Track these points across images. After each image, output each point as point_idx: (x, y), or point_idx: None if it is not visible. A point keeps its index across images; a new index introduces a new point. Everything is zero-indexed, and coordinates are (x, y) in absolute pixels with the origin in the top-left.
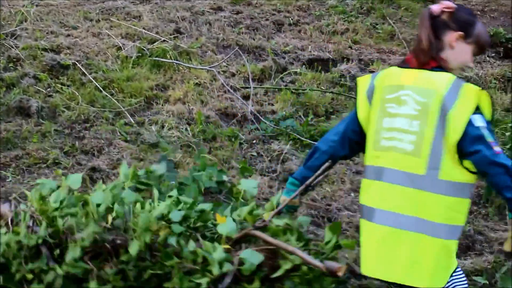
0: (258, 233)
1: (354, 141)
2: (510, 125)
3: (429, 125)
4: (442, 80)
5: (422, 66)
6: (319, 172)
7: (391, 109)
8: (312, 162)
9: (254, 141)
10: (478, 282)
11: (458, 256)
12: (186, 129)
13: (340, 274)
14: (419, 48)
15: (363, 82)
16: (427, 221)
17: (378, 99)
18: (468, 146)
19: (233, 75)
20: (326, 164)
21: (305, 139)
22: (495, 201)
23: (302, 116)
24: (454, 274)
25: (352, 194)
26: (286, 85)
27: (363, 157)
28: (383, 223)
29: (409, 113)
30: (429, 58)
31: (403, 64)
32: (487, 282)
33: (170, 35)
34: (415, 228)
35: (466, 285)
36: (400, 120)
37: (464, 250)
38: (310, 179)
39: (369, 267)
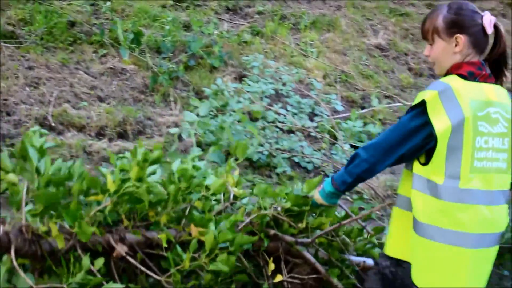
0: None
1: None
2: None
3: None
4: (506, 94)
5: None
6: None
7: (482, 127)
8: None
9: None
10: None
11: (132, 139)
12: None
13: None
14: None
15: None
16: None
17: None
18: None
19: None
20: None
21: None
22: (160, 89)
23: None
24: None
25: (28, 89)
26: None
27: None
28: (480, 246)
29: (501, 131)
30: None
31: (472, 78)
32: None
33: None
34: (498, 242)
35: None
36: (493, 139)
37: (136, 135)
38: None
39: None
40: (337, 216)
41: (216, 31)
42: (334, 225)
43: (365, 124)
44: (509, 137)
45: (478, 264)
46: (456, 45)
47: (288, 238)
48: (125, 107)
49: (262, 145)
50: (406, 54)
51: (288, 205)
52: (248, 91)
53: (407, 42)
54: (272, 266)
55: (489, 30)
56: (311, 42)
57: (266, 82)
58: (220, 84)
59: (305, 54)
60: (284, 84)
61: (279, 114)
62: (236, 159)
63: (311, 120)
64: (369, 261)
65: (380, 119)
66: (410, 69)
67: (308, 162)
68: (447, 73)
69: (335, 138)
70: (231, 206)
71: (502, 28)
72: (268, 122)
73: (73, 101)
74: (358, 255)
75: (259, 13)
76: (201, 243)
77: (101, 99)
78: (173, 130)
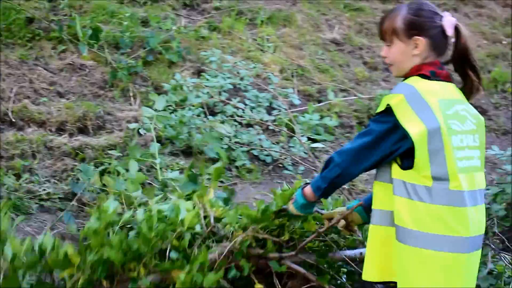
0: None
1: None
2: None
3: (483, 137)
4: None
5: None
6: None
7: (455, 126)
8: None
9: None
10: (113, 154)
11: (92, 134)
12: None
13: None
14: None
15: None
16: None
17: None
18: None
19: None
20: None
21: None
22: (119, 84)
23: None
24: None
25: None
26: None
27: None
28: (471, 250)
29: (471, 128)
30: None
31: (435, 77)
32: (121, 154)
33: None
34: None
35: None
36: (466, 137)
37: (96, 130)
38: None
39: None
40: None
41: (174, 26)
42: (312, 235)
43: (321, 117)
44: (479, 133)
45: (471, 268)
46: (415, 47)
47: (273, 255)
48: (85, 102)
49: (221, 139)
50: (361, 49)
51: (264, 223)
52: (206, 86)
53: (361, 37)
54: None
55: (450, 32)
56: (268, 37)
57: (224, 77)
58: (179, 79)
59: (262, 49)
60: (242, 79)
61: (237, 108)
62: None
63: (269, 113)
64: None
65: (336, 112)
66: (365, 63)
67: (267, 155)
68: (407, 75)
69: (293, 131)
70: (218, 226)
71: (463, 30)
72: (227, 116)
73: (33, 97)
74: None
75: (216, 8)
76: None
77: (60, 95)
78: (133, 125)
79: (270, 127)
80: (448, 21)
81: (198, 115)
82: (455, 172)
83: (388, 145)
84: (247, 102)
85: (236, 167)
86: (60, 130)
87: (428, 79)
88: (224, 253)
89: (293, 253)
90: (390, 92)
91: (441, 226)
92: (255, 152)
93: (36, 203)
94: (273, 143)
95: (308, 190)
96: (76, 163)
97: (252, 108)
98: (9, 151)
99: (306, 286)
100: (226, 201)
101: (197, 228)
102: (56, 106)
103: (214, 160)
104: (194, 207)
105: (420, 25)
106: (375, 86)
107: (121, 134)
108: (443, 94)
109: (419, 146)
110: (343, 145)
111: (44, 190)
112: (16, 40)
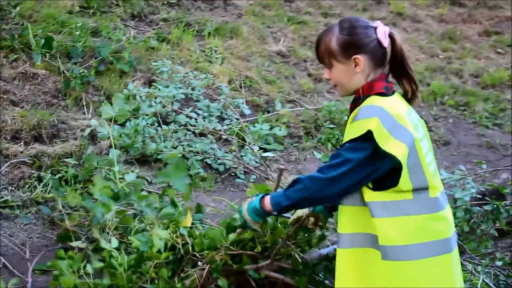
0: None
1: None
2: None
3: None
4: None
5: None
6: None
7: (418, 134)
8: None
9: None
10: (70, 162)
11: (47, 143)
12: None
13: None
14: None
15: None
16: None
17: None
18: None
19: None
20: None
21: None
22: (72, 93)
23: None
24: None
25: None
26: None
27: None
28: (453, 248)
29: (424, 133)
30: None
31: (390, 92)
32: (77, 162)
33: None
34: None
35: None
36: (425, 142)
37: (51, 138)
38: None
39: None
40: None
41: (124, 37)
42: (283, 241)
43: (271, 127)
44: (427, 136)
45: (457, 265)
46: (355, 66)
47: (250, 267)
48: (39, 111)
49: (175, 148)
50: (305, 61)
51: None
52: (159, 95)
53: (306, 49)
54: None
55: (385, 42)
56: (216, 48)
57: (176, 87)
58: (132, 88)
59: (210, 60)
60: (193, 89)
61: (190, 117)
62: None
63: (221, 123)
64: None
65: (284, 123)
66: (309, 75)
67: (220, 164)
68: (356, 93)
69: (244, 140)
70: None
71: (397, 36)
72: (180, 126)
73: None
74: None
75: (164, 20)
76: None
77: (14, 103)
78: (88, 130)
79: (224, 136)
80: (382, 32)
81: (152, 124)
82: (431, 179)
83: (368, 170)
84: (199, 112)
85: (190, 176)
86: (15, 138)
87: (386, 95)
88: (203, 275)
89: (268, 261)
90: (358, 118)
91: (429, 233)
92: (208, 161)
93: None
94: (226, 152)
95: (266, 201)
96: (33, 171)
97: (204, 118)
98: None
99: None
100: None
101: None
102: (10, 115)
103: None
104: (170, 236)
105: (355, 43)
106: (321, 97)
107: (76, 142)
108: (403, 106)
109: (404, 165)
110: (316, 171)
111: (2, 198)
112: None
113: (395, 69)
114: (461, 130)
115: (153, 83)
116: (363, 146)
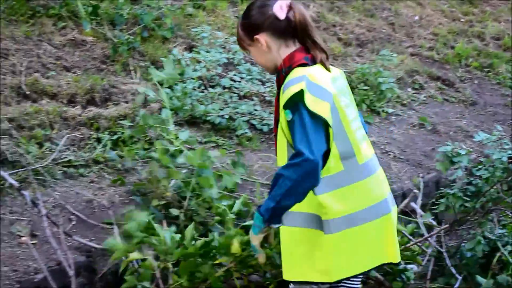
0: None
1: None
2: None
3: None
4: None
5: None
6: None
7: (343, 102)
8: None
9: None
10: (125, 124)
11: (101, 106)
12: None
13: None
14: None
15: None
16: None
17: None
18: None
19: None
20: None
21: None
22: (119, 59)
23: None
24: None
25: None
26: None
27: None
28: (391, 208)
29: (350, 99)
30: None
31: (311, 62)
32: (132, 124)
33: None
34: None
35: None
36: (351, 109)
37: (104, 101)
38: None
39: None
40: None
41: (163, 4)
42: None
43: None
44: (354, 105)
45: (395, 223)
46: (261, 46)
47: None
48: (91, 76)
49: (222, 109)
50: (334, 25)
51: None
52: (202, 60)
53: (334, 14)
54: None
55: (281, 16)
56: None
57: (217, 52)
58: (176, 54)
59: None
60: (234, 53)
61: (234, 80)
62: None
63: (262, 86)
64: None
65: None
66: (339, 39)
67: (264, 125)
68: (280, 69)
69: None
70: None
71: (296, 8)
72: (224, 89)
73: (42, 71)
74: None
75: None
76: None
77: (67, 69)
78: (141, 89)
79: (267, 98)
80: (278, 6)
81: (198, 87)
82: (358, 145)
83: (320, 123)
84: (241, 75)
85: (237, 136)
86: (71, 102)
87: (307, 66)
88: None
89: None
90: (286, 87)
91: (368, 198)
92: (253, 122)
93: (60, 170)
94: (270, 113)
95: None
96: (91, 132)
97: (246, 81)
98: (28, 121)
99: None
100: (234, 164)
101: None
102: (65, 80)
103: (217, 129)
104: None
105: (252, 24)
106: (351, 61)
107: (129, 105)
108: (325, 73)
109: (330, 125)
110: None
111: (66, 157)
112: (18, 17)
113: (299, 38)
114: (486, 91)
115: (193, 49)
116: (300, 109)
